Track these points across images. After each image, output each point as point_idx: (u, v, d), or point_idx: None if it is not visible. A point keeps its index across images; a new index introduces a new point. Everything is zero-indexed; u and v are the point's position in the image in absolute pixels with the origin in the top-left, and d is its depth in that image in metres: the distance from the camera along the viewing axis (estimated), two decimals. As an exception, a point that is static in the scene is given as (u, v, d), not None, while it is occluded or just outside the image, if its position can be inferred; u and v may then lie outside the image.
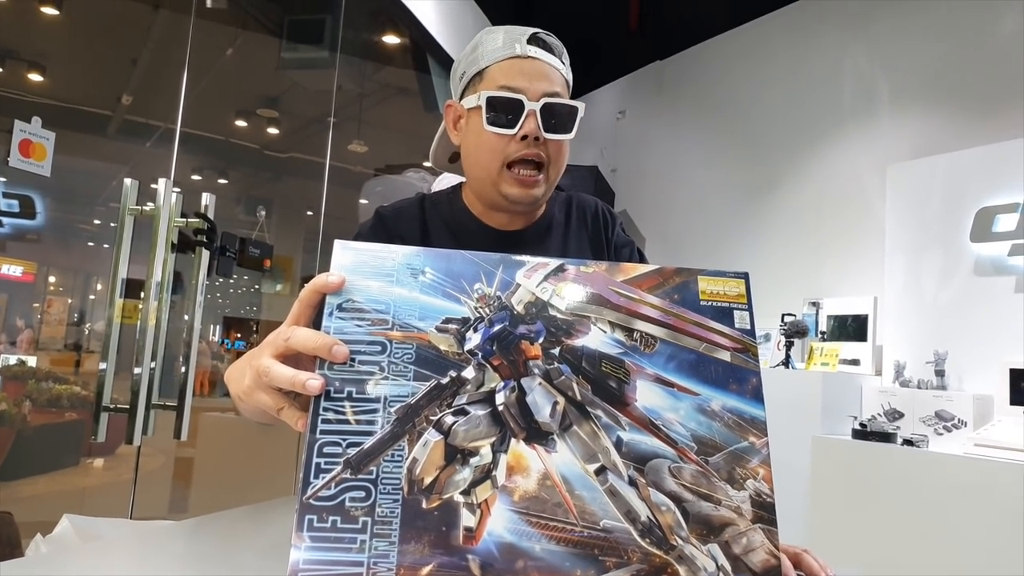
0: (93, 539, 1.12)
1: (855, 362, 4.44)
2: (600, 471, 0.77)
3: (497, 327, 0.83)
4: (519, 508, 0.74)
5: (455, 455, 0.76)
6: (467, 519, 0.73)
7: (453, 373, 0.79)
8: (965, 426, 3.66)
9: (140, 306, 2.99)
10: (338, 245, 0.85)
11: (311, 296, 0.84)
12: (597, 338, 0.84)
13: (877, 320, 4.48)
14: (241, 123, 5.53)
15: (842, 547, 3.75)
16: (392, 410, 0.76)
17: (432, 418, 0.77)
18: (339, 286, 0.82)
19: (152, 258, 2.97)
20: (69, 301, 4.64)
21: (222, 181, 5.67)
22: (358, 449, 0.74)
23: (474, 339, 0.82)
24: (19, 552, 2.30)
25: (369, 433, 0.75)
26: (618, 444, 0.78)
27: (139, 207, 2.98)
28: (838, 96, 5.07)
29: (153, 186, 3.01)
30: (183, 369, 3.08)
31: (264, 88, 5.40)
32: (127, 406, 2.92)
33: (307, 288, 0.84)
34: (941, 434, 3.73)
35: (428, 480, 0.74)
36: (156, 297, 2.98)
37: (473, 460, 0.76)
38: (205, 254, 3.15)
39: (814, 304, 4.80)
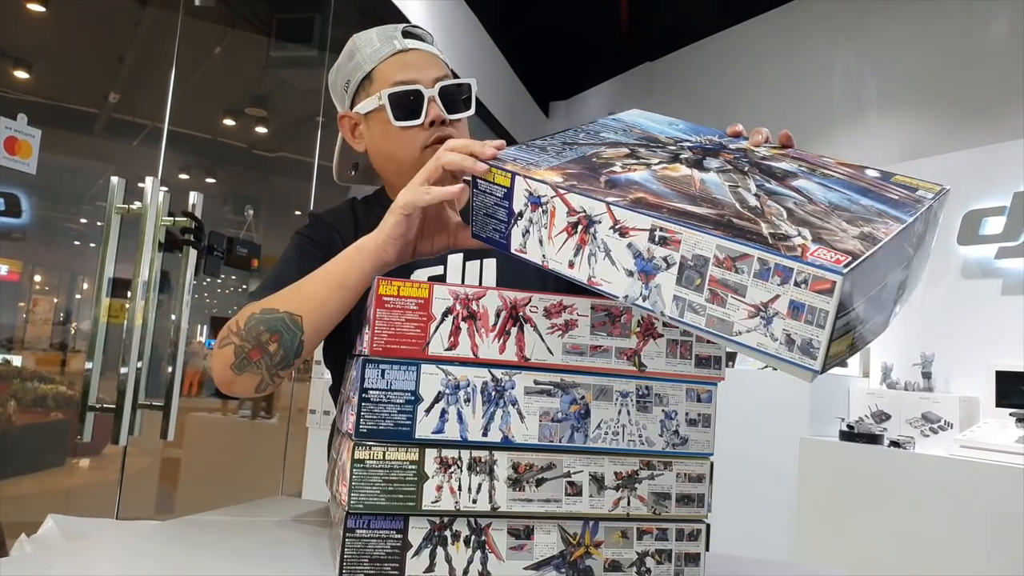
0: (78, 539, 1.11)
1: (842, 364, 4.46)
2: (734, 186, 0.87)
3: (709, 146, 1.03)
4: (658, 177, 0.90)
5: (633, 155, 0.98)
6: (617, 169, 0.92)
7: (658, 145, 1.03)
8: (951, 428, 3.68)
9: (127, 305, 2.97)
10: (636, 110, 1.19)
11: (463, 165, 1.01)
12: (785, 165, 0.95)
13: (864, 322, 4.49)
14: (229, 122, 5.51)
15: (829, 548, 3.76)
16: (609, 139, 1.05)
17: (628, 146, 1.02)
18: (493, 155, 0.99)
19: (139, 257, 2.96)
20: (55, 300, 4.62)
21: (210, 180, 5.65)
22: (565, 146, 1.02)
23: (688, 144, 1.04)
24: (3, 552, 2.29)
25: (586, 144, 1.03)
26: (760, 186, 0.88)
27: (126, 206, 2.96)
28: (827, 99, 5.09)
29: (140, 185, 3.00)
30: (170, 369, 3.07)
31: (252, 87, 5.39)
32: (113, 406, 2.91)
33: (467, 155, 1.01)
34: (927, 436, 3.75)
35: (607, 157, 0.97)
36: (143, 296, 2.96)
37: (643, 160, 0.96)
38: (192, 253, 3.13)
39: (802, 306, 4.81)
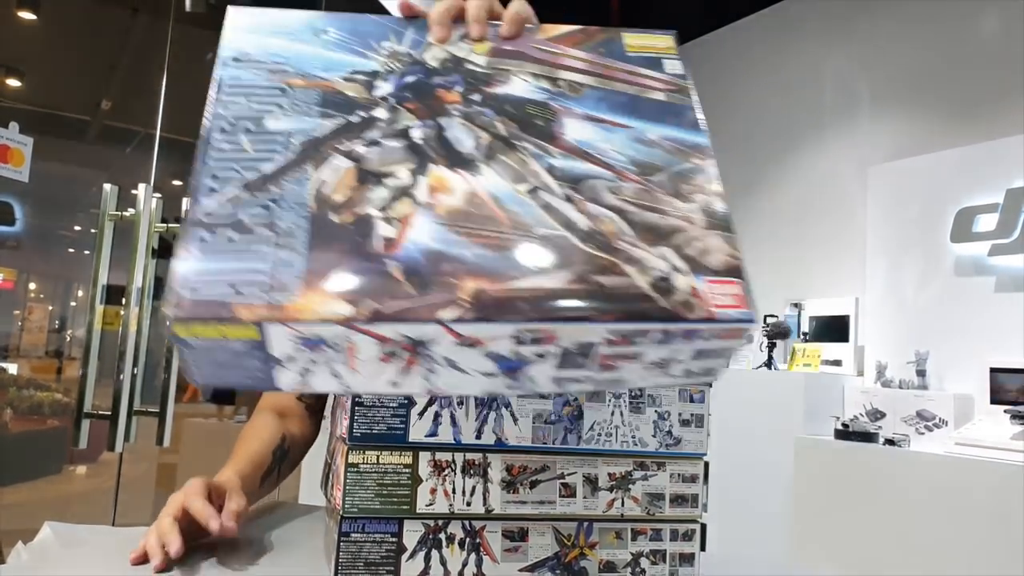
0: (75, 546, 1.11)
1: (837, 363, 4.46)
2: (532, 191, 0.68)
3: (411, 78, 0.75)
4: (444, 220, 0.64)
5: (368, 177, 0.67)
6: (385, 230, 0.63)
7: (363, 113, 0.71)
8: (946, 425, 3.68)
9: (121, 312, 2.97)
10: (231, 10, 0.77)
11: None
12: (520, 86, 0.76)
13: (859, 321, 4.50)
14: (222, 127, 5.49)
15: (824, 546, 3.77)
16: (296, 141, 0.68)
17: (341, 148, 0.68)
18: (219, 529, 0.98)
19: (133, 264, 2.95)
20: (50, 308, 4.62)
21: (203, 186, 5.63)
22: (258, 174, 0.65)
23: (385, 87, 0.74)
24: (0, 560, 2.28)
25: (269, 159, 0.66)
26: (550, 169, 0.70)
27: (119, 213, 2.95)
28: (819, 98, 5.10)
29: (133, 191, 2.99)
30: (164, 375, 3.06)
31: (245, 92, 5.37)
32: (109, 413, 2.90)
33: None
34: (923, 433, 3.75)
35: (340, 199, 0.65)
36: (137, 303, 2.96)
37: (389, 181, 0.67)
38: (186, 259, 3.12)
39: (796, 305, 4.82)
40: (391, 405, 0.93)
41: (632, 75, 0.78)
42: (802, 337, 4.71)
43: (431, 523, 0.94)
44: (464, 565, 0.94)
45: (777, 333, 4.59)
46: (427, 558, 0.93)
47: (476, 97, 0.74)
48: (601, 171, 0.70)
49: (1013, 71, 4.08)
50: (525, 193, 0.67)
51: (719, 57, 5.96)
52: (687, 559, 1.03)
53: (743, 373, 4.62)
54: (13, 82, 3.60)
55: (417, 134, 0.71)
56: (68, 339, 4.54)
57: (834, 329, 4.60)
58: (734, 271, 0.64)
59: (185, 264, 0.59)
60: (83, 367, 2.94)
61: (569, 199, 0.67)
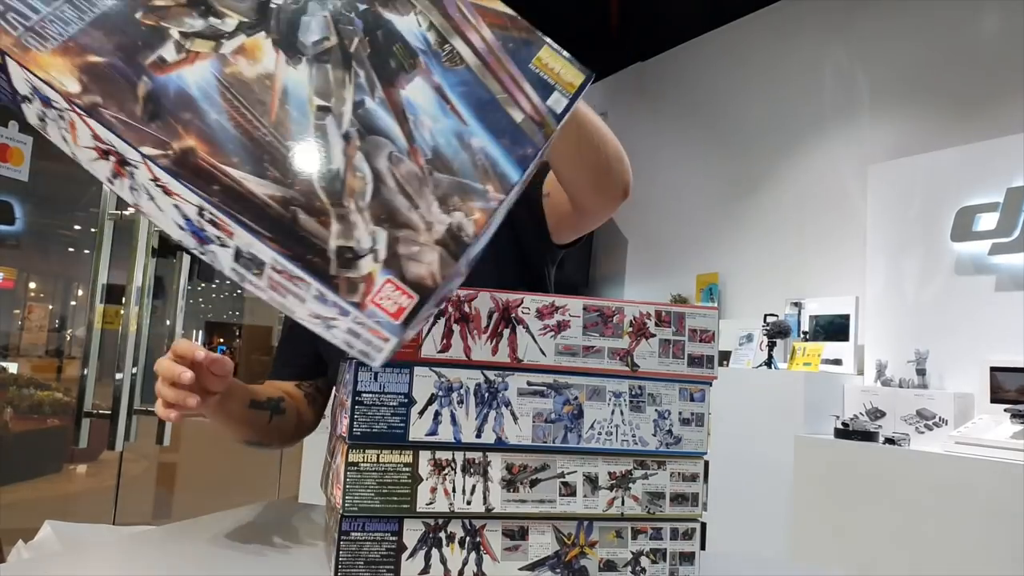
0: (75, 545, 1.11)
1: (837, 362, 4.46)
2: (322, 110, 0.67)
3: None
4: (223, 79, 0.65)
5: (200, 5, 0.67)
6: (168, 53, 0.64)
7: None
8: (946, 424, 3.68)
9: (121, 311, 2.97)
10: None
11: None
12: (408, 25, 0.73)
13: (859, 320, 4.50)
14: (222, 126, 5.49)
15: (824, 545, 3.77)
16: None
17: None
18: (205, 358, 0.99)
19: (132, 263, 2.96)
20: (50, 307, 4.61)
21: (203, 185, 5.63)
22: None
23: None
24: (1, 559, 2.28)
25: None
26: (358, 104, 0.68)
27: (119, 212, 2.96)
28: (819, 96, 5.09)
29: (134, 190, 2.99)
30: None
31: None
32: (109, 412, 2.91)
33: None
34: (922, 432, 3.75)
35: (159, 3, 0.66)
36: (137, 302, 2.96)
37: (213, 20, 0.67)
38: (186, 259, 3.13)
39: (796, 304, 4.82)
40: (391, 404, 0.93)
41: (513, 84, 0.75)
42: (802, 336, 4.71)
43: (431, 522, 0.94)
44: (464, 564, 0.94)
45: (777, 332, 4.58)
46: (427, 557, 0.93)
47: (361, 7, 0.73)
48: (399, 137, 0.68)
49: (1013, 69, 4.08)
50: (314, 107, 0.67)
51: (720, 55, 5.96)
52: (687, 558, 1.03)
53: (743, 372, 4.62)
54: (13, 81, 3.59)
55: (278, 1, 0.70)
56: (68, 338, 4.54)
57: (834, 328, 4.60)
58: (419, 288, 0.62)
59: None
60: (83, 366, 2.94)
61: (346, 138, 0.66)
